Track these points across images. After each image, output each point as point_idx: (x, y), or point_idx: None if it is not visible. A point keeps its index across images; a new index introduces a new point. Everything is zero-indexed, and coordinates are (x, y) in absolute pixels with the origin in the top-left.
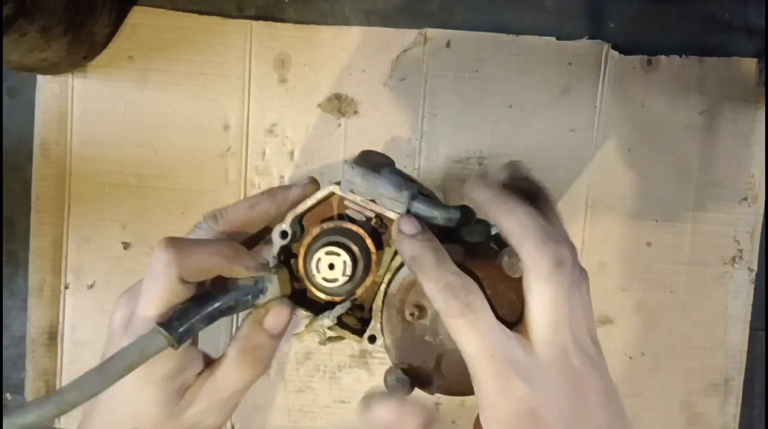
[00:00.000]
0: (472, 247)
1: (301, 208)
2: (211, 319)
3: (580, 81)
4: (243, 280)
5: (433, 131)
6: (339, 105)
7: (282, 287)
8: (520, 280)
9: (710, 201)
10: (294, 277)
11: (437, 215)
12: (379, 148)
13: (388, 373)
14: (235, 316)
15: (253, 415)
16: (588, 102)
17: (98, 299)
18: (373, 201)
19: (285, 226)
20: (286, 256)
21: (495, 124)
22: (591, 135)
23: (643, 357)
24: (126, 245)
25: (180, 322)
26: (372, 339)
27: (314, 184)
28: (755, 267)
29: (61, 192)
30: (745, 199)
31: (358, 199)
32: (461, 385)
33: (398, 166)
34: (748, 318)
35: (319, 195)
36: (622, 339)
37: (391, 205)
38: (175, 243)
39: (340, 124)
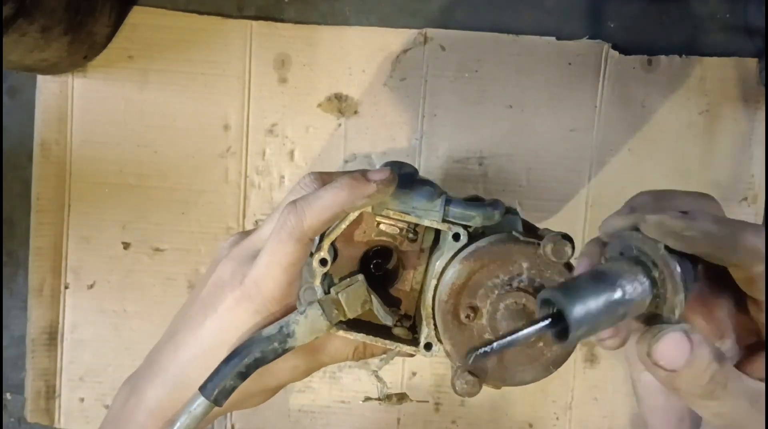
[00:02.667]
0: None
1: (336, 232)
2: (243, 375)
3: (580, 81)
4: (267, 329)
5: (433, 131)
6: (339, 105)
7: (334, 314)
8: (565, 264)
9: None
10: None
11: (475, 215)
12: (379, 148)
13: (456, 377)
14: None
15: (253, 416)
16: (588, 102)
17: (98, 299)
18: (406, 213)
19: (324, 253)
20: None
21: (495, 124)
22: (591, 135)
23: None
24: (126, 245)
25: (213, 384)
26: (428, 347)
27: (393, 180)
28: None
29: (61, 192)
30: (745, 199)
31: (391, 213)
32: (524, 374)
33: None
34: None
35: (353, 217)
36: None
37: (425, 214)
38: (298, 208)
39: (340, 124)
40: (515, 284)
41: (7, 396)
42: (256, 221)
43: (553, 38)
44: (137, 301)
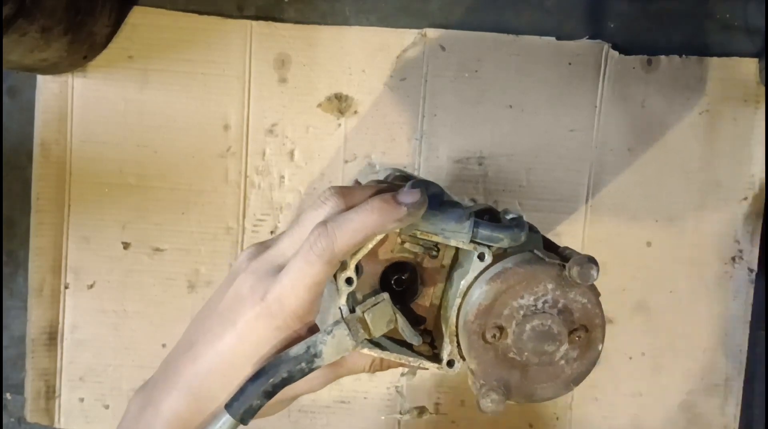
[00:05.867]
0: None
1: (363, 252)
2: (270, 394)
3: (580, 81)
4: (294, 349)
5: (433, 131)
6: (339, 105)
7: (360, 333)
8: (589, 287)
9: (710, 201)
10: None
11: (503, 238)
12: (379, 148)
13: (482, 395)
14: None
15: None
16: (588, 102)
17: (98, 299)
18: (435, 234)
19: (350, 273)
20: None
21: (495, 124)
22: (591, 135)
23: (643, 357)
24: (126, 245)
25: (240, 403)
26: (451, 364)
27: (424, 202)
28: (755, 267)
29: (61, 192)
30: (745, 198)
31: (418, 233)
32: (546, 390)
33: (398, 166)
34: (748, 318)
35: (380, 237)
36: (622, 339)
37: (453, 235)
38: (329, 230)
39: (340, 124)
40: (540, 305)
41: (7, 396)
42: (255, 223)
43: (553, 38)
44: (137, 301)
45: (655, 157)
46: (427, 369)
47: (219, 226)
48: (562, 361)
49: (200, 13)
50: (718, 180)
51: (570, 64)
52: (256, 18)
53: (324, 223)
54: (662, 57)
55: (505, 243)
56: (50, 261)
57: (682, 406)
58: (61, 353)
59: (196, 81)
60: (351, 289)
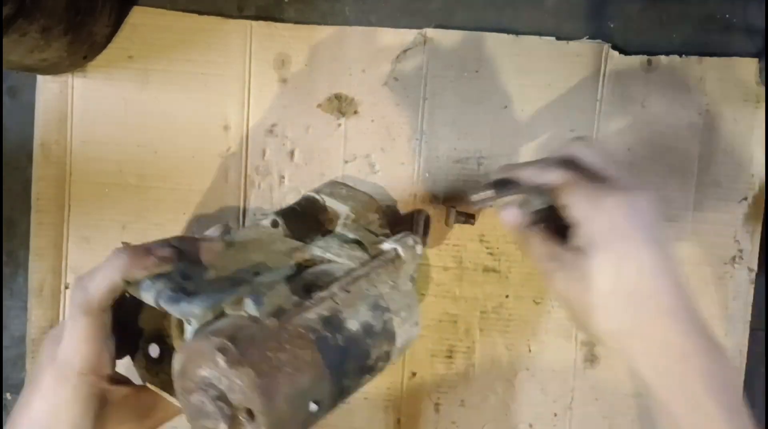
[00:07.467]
0: None
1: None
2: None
3: (580, 81)
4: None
5: (433, 131)
6: (339, 105)
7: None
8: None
9: (710, 201)
10: None
11: (191, 314)
12: (379, 148)
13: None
14: None
15: None
16: (588, 102)
17: None
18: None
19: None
20: None
21: (495, 124)
22: (591, 135)
23: None
24: (126, 245)
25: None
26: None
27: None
28: (755, 267)
29: (61, 192)
30: (745, 199)
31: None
32: None
33: (398, 166)
34: (748, 318)
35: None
36: None
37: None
38: (83, 282)
39: (340, 124)
40: (206, 381)
41: (7, 396)
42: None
43: (553, 38)
44: None
45: (655, 157)
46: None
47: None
48: None
49: (200, 13)
50: (718, 180)
51: (570, 64)
52: (256, 18)
53: (80, 277)
54: (662, 57)
55: (195, 316)
56: (50, 261)
57: None
58: None
59: (197, 81)
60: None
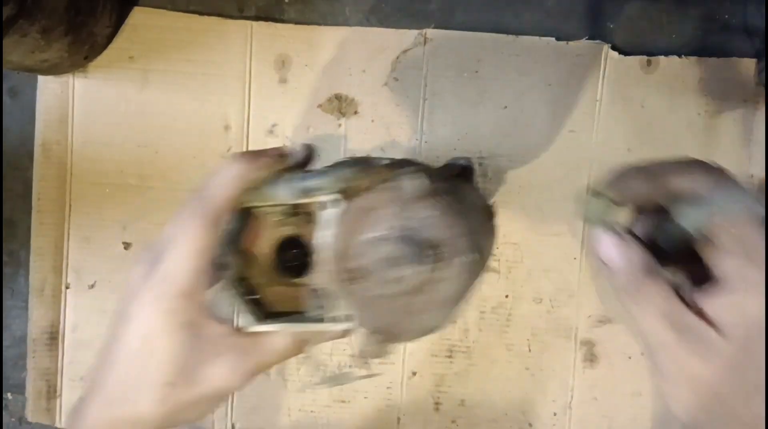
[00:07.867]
0: None
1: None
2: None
3: (580, 81)
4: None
5: (433, 131)
6: (339, 105)
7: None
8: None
9: None
10: None
11: (321, 184)
12: (379, 148)
13: (365, 343)
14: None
15: (253, 415)
16: (588, 102)
17: (99, 299)
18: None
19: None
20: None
21: (495, 124)
22: (591, 135)
23: (643, 357)
24: (127, 245)
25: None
26: (340, 319)
27: (285, 154)
28: None
29: (62, 192)
30: None
31: (256, 202)
32: (430, 318)
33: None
34: None
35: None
36: (622, 339)
37: (280, 195)
38: (197, 191)
39: (340, 125)
40: (382, 234)
41: (8, 396)
42: None
43: (553, 38)
44: None
45: (654, 157)
46: (330, 331)
47: None
48: (427, 285)
49: (201, 13)
50: None
51: (570, 64)
52: (257, 18)
53: (194, 189)
54: (662, 57)
55: (335, 186)
56: (51, 261)
57: None
58: (62, 353)
59: (197, 81)
60: (228, 273)
